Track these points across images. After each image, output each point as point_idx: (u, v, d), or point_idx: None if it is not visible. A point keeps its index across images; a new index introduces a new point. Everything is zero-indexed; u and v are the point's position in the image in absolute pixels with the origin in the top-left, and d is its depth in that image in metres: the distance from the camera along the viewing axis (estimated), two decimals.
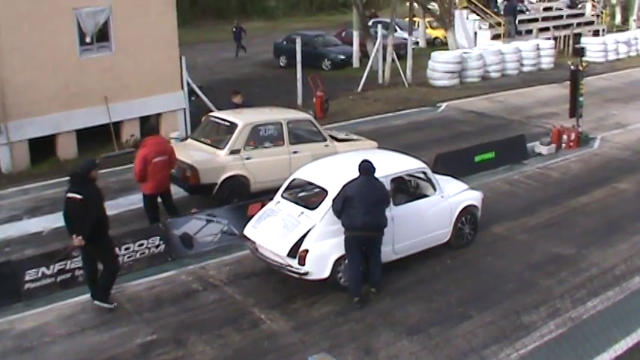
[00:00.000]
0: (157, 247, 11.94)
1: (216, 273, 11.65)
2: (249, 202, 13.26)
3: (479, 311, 10.34)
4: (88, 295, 10.77)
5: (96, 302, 10.55)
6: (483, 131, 20.60)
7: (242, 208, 13.05)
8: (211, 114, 15.66)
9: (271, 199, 11.89)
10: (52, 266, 10.91)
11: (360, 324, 10.03)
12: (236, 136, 14.09)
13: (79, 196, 10.07)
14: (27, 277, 10.75)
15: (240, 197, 13.78)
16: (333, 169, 11.91)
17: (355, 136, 16.49)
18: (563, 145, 18.68)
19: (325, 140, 15.09)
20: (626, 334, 9.58)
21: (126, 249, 11.58)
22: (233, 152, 14.05)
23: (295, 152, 14.59)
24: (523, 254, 12.34)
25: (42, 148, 17.58)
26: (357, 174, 10.54)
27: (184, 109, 20.23)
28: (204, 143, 14.52)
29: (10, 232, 13.49)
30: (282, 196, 11.69)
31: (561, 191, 15.58)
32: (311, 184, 11.72)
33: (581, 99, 18.78)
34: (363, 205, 10.24)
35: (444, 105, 24.69)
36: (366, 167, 10.54)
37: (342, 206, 10.31)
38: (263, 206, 12.80)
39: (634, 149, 18.85)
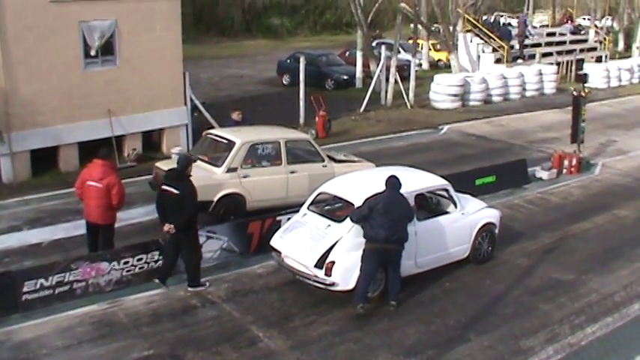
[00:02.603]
0: (157, 262, 11.88)
1: (215, 289, 11.61)
2: (250, 219, 13.23)
3: (477, 335, 10.30)
4: (86, 308, 10.81)
5: (190, 289, 11.46)
6: (484, 155, 20.65)
7: (242, 225, 13.02)
8: (209, 131, 15.54)
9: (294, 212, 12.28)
10: (50, 278, 10.87)
11: (357, 344, 9.98)
12: (233, 154, 14.04)
13: (175, 191, 11.09)
14: (25, 289, 10.69)
15: (236, 216, 13.74)
16: (359, 183, 12.13)
17: (354, 158, 16.49)
18: (564, 170, 18.70)
19: (323, 161, 15.07)
20: None
21: (124, 263, 11.53)
22: (230, 170, 13.98)
23: (293, 172, 14.57)
24: (522, 279, 12.31)
25: (44, 159, 17.59)
26: (382, 189, 10.81)
27: (187, 124, 20.27)
28: (202, 160, 14.42)
29: (9, 243, 13.44)
30: (308, 208, 11.92)
31: (562, 216, 15.57)
32: (337, 197, 11.95)
33: (582, 125, 18.82)
34: (387, 220, 10.49)
35: (445, 127, 24.75)
36: (393, 183, 10.83)
37: (368, 215, 10.53)
38: (263, 225, 12.93)
39: (635, 176, 18.87)
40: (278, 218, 13.19)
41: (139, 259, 11.68)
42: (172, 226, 11.10)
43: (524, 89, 31.08)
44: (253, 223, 13.01)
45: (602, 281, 12.23)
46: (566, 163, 18.73)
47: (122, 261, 11.51)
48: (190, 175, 11.41)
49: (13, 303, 10.61)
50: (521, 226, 14.78)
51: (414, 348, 9.91)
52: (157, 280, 11.52)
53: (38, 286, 10.79)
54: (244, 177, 14.09)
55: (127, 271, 11.58)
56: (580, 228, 14.86)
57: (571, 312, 11.07)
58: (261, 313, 10.84)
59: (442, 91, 28.16)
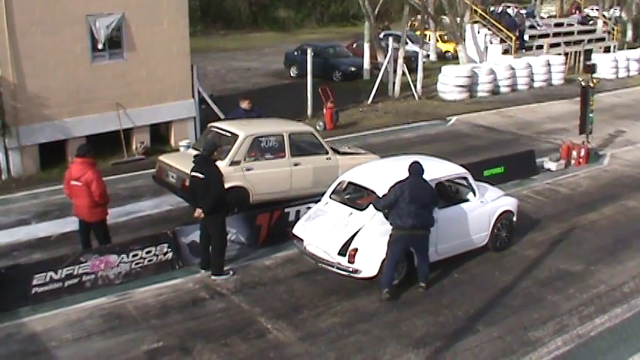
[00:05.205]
0: (165, 254, 11.92)
1: (224, 281, 11.63)
2: (257, 211, 13.24)
3: (486, 326, 10.30)
4: (95, 301, 10.86)
5: (213, 277, 11.66)
6: (493, 146, 20.60)
7: (250, 217, 13.05)
8: (213, 124, 15.35)
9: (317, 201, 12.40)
10: (59, 271, 10.92)
11: (366, 336, 10.00)
12: (237, 147, 13.92)
13: (201, 175, 11.46)
14: (35, 282, 10.75)
15: (240, 209, 13.67)
16: (381, 172, 12.27)
17: (360, 150, 16.45)
18: (573, 161, 18.65)
19: (327, 153, 15.01)
20: (634, 352, 9.56)
21: (134, 256, 11.56)
22: (234, 163, 13.83)
23: (296, 165, 14.49)
24: (531, 270, 12.29)
25: (52, 152, 17.65)
26: (402, 177, 10.91)
27: (195, 117, 20.30)
28: None
29: (18, 236, 13.51)
30: (330, 197, 12.07)
31: (570, 207, 15.54)
32: (359, 186, 12.05)
33: (591, 115, 18.76)
34: (414, 208, 10.63)
35: (453, 119, 24.71)
36: (416, 168, 10.93)
37: (394, 203, 10.65)
38: (271, 217, 12.95)
39: None
40: (286, 210, 13.22)
41: (147, 252, 11.70)
42: (201, 211, 11.46)
43: (532, 80, 30.98)
44: (261, 215, 13.03)
45: (610, 272, 12.20)
46: (574, 154, 18.67)
47: (131, 254, 11.54)
48: (216, 160, 11.86)
49: (23, 296, 10.66)
50: (529, 217, 14.73)
51: (423, 339, 9.91)
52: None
53: (48, 279, 10.84)
54: (248, 170, 14.00)
55: (136, 263, 11.61)
56: (588, 219, 14.82)
57: (580, 303, 11.05)
58: (270, 305, 10.86)
59: (450, 82, 28.10)
